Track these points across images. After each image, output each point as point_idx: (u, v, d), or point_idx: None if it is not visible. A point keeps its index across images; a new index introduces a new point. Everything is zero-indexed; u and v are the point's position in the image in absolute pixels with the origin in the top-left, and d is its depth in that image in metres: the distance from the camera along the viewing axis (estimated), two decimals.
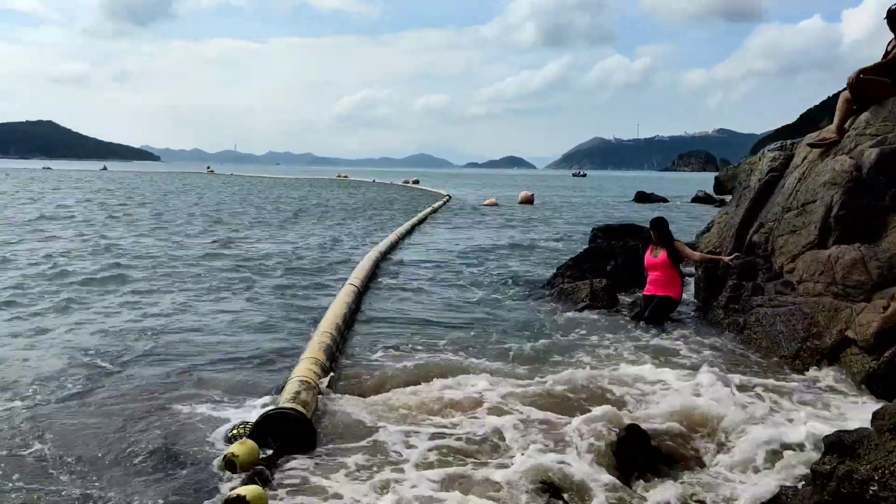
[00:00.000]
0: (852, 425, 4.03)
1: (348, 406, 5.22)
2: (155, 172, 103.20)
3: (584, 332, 7.80)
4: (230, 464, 4.06)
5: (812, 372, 6.06)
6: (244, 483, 3.80)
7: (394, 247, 15.48)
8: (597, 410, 4.90)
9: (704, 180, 71.19)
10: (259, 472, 3.96)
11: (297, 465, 4.22)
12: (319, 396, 5.24)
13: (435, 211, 28.33)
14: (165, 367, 6.29)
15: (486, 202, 36.26)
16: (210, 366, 6.38)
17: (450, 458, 4.37)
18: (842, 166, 7.07)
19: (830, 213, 6.98)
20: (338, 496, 3.87)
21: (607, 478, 4.06)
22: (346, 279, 10.03)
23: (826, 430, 4.39)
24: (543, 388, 5.64)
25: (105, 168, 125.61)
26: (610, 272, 10.42)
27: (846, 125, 7.50)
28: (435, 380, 5.84)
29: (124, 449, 4.49)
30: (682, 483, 4.10)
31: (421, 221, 23.05)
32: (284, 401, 4.72)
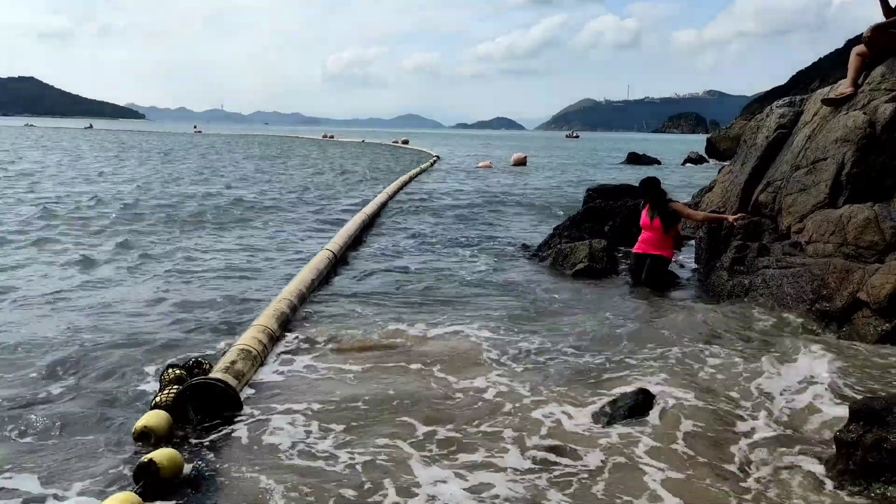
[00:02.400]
0: None
1: (292, 372, 5.08)
2: (147, 132, 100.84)
3: (580, 298, 7.57)
4: (144, 435, 3.86)
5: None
6: None
7: (381, 209, 15.09)
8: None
9: (696, 142, 71.02)
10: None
11: (220, 431, 4.09)
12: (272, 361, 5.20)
13: (420, 173, 27.73)
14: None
15: (480, 165, 35.45)
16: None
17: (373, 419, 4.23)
18: (855, 122, 6.80)
19: (842, 171, 6.74)
20: (251, 461, 3.72)
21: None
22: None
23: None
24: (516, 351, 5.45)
25: (90, 126, 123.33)
26: (609, 232, 10.21)
27: (860, 80, 7.22)
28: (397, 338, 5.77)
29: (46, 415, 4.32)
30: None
31: (407, 183, 22.59)
32: (218, 370, 4.57)
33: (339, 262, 9.11)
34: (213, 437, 3.99)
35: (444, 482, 3.50)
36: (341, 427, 4.12)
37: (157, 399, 4.25)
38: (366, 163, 35.91)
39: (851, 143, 6.74)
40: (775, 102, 8.62)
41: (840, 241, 6.38)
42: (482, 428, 4.15)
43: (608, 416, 4.25)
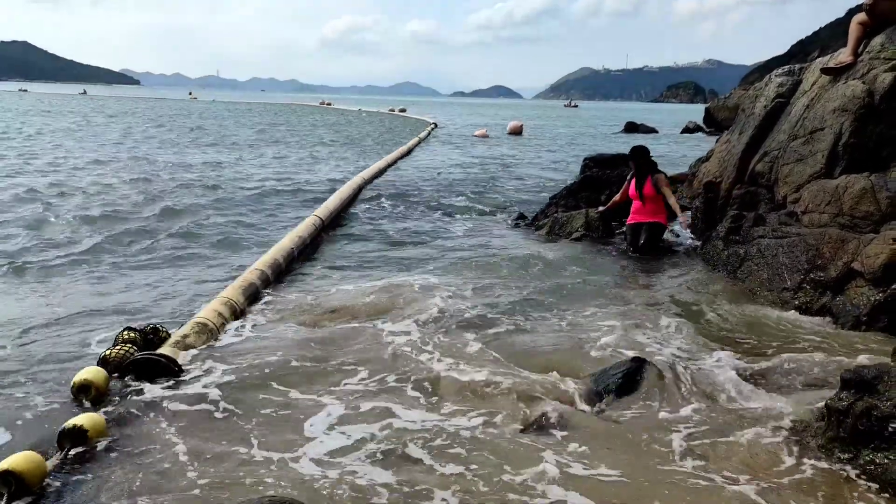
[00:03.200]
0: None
1: (241, 338, 5.07)
2: (146, 98, 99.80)
3: (570, 264, 7.55)
4: (83, 389, 3.89)
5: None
6: None
7: (376, 176, 15.01)
8: None
9: (694, 111, 70.65)
10: None
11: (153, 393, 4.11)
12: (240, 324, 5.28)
13: (419, 142, 27.46)
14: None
15: (476, 133, 35.15)
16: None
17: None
18: (853, 92, 6.76)
19: (839, 140, 6.71)
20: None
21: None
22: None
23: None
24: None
25: (85, 92, 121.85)
26: (605, 202, 10.20)
27: (860, 49, 7.16)
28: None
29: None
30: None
31: (405, 153, 22.37)
32: (169, 343, 4.60)
33: (327, 227, 9.08)
34: (144, 400, 3.99)
35: (335, 432, 3.64)
36: (269, 386, 4.20)
37: (106, 353, 4.30)
38: (367, 130, 35.68)
39: (850, 113, 6.71)
40: (774, 71, 8.55)
41: (836, 212, 6.39)
42: (400, 382, 4.28)
43: (604, 386, 4.25)
